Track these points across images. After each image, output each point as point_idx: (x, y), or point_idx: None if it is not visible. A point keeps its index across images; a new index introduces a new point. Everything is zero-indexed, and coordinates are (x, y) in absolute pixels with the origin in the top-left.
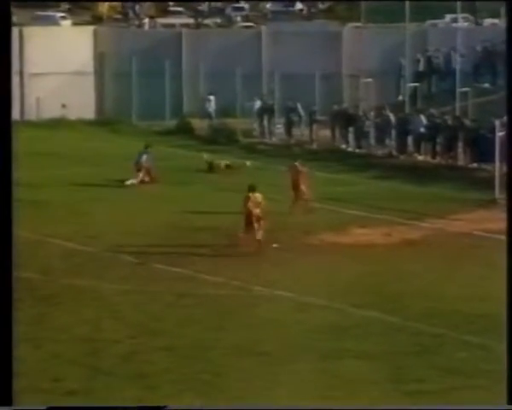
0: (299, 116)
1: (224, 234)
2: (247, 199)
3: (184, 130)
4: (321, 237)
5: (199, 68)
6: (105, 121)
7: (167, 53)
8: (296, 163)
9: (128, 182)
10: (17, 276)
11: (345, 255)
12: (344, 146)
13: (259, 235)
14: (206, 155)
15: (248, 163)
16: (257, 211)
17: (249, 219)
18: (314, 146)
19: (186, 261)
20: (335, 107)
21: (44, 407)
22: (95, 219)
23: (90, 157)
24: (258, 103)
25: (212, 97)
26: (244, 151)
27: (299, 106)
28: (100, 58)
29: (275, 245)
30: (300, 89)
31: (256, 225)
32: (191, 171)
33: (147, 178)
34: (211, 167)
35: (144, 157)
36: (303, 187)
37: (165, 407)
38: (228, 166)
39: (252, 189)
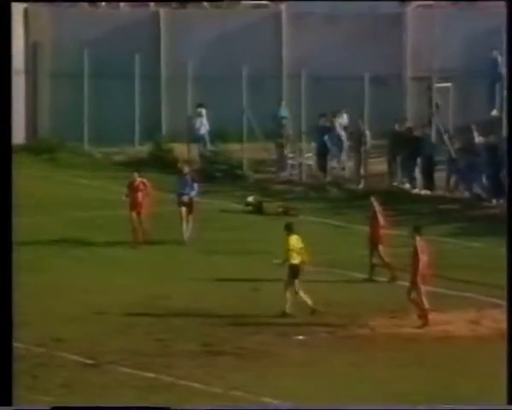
0: (339, 140)
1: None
2: (420, 245)
3: (162, 160)
4: (371, 323)
5: (185, 67)
6: (40, 147)
7: (138, 44)
8: (372, 198)
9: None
10: None
11: (407, 353)
12: (407, 186)
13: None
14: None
15: None
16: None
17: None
18: (361, 186)
19: (162, 362)
20: (395, 126)
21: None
22: (23, 297)
23: (16, 202)
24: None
25: (203, 111)
26: (252, 192)
27: (337, 125)
28: (34, 51)
29: (300, 337)
30: (340, 99)
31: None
32: (168, 223)
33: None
34: (259, 208)
35: (196, 188)
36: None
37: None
38: (287, 211)
39: (289, 229)
